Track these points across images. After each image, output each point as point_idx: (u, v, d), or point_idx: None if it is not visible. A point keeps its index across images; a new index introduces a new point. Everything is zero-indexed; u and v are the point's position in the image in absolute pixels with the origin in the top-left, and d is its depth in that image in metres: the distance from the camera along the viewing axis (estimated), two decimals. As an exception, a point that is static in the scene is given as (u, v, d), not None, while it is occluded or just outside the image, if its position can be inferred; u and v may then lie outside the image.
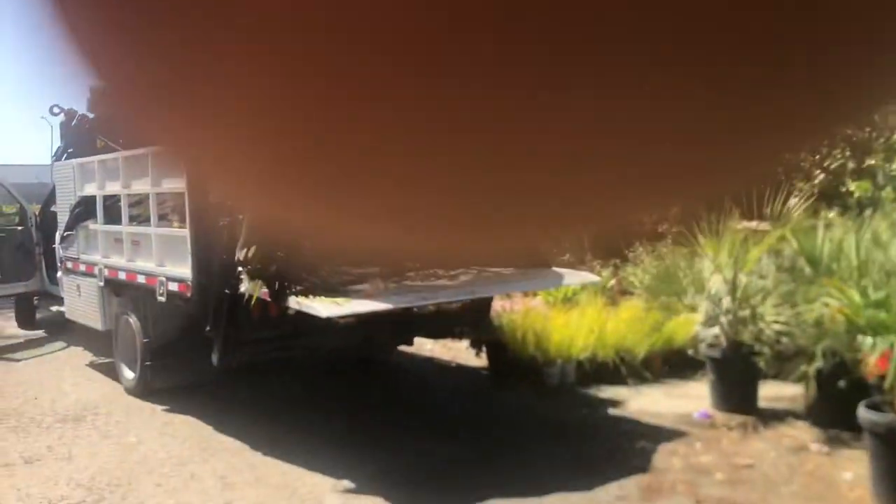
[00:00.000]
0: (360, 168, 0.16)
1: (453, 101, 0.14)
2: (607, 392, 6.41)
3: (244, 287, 4.85)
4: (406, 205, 0.16)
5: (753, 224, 6.42)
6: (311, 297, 4.55)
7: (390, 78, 0.14)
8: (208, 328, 5.28)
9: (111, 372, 7.05)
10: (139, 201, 6.40)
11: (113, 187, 6.56)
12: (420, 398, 6.40)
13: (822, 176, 8.72)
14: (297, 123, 0.15)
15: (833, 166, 8.71)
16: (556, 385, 6.57)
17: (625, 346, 6.68)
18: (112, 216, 6.73)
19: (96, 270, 6.95)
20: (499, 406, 6.26)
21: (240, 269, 4.92)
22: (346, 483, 4.54)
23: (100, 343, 7.60)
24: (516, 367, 6.74)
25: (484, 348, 7.11)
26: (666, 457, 4.98)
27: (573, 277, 5.49)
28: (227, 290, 5.10)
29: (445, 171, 0.15)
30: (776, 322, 5.34)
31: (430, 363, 7.40)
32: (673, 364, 6.86)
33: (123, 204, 6.42)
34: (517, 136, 0.15)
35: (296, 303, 4.58)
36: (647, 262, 7.84)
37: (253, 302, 4.83)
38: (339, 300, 4.50)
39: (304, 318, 4.76)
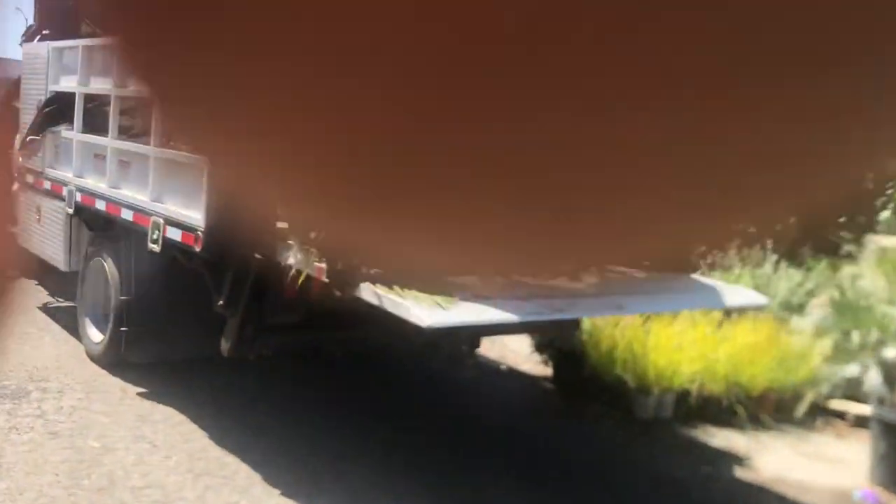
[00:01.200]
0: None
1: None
2: (717, 437, 4.96)
3: (289, 257, 3.24)
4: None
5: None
6: (396, 287, 2.95)
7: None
8: (221, 302, 3.68)
9: (72, 323, 5.41)
10: (135, 107, 4.71)
11: (100, 84, 4.85)
12: (473, 415, 4.88)
13: None
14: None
15: None
16: (648, 419, 5.10)
17: (739, 380, 5.21)
18: (95, 123, 5.03)
19: (65, 192, 5.27)
20: (577, 438, 4.78)
21: (282, 226, 3.31)
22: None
23: (61, 280, 5.93)
24: (594, 387, 5.26)
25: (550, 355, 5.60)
26: (850, 567, 3.54)
27: (733, 295, 3.96)
28: (257, 255, 3.49)
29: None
30: None
31: (475, 363, 5.86)
32: (784, 406, 5.43)
33: (113, 108, 4.72)
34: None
35: (374, 294, 2.99)
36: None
37: (301, 279, 3.23)
38: (440, 299, 2.91)
39: (358, 304, 3.20)
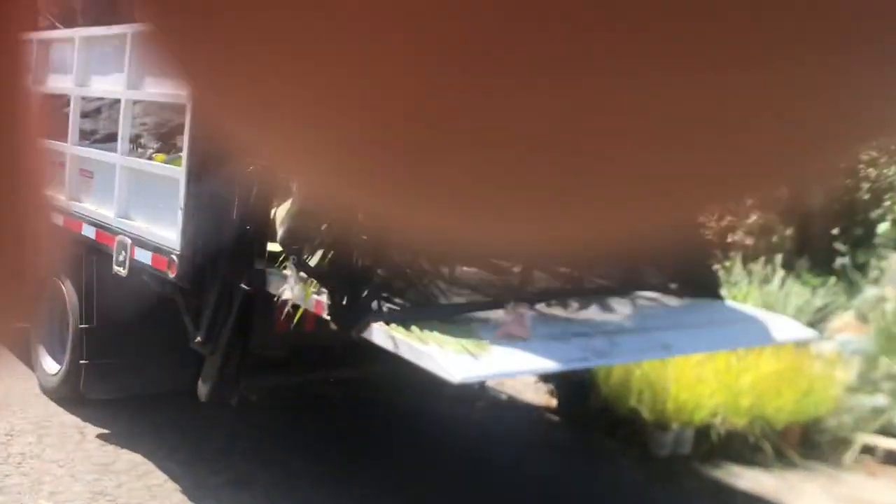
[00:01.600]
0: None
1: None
2: (742, 478, 4.54)
3: (284, 289, 2.73)
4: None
5: None
6: (414, 328, 2.46)
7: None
8: (199, 339, 3.15)
9: (23, 349, 4.82)
10: (99, 109, 4.17)
11: (60, 83, 4.29)
12: (477, 456, 4.39)
13: None
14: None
15: None
16: (665, 457, 4.66)
17: (762, 412, 4.80)
18: (52, 126, 4.46)
19: (58, 218, 4.68)
20: (590, 478, 4.33)
21: (277, 250, 2.81)
22: None
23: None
24: (606, 421, 4.82)
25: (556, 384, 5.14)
26: None
27: (782, 329, 3.52)
28: (243, 285, 2.98)
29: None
30: None
31: (484, 400, 5.36)
32: (809, 440, 5.04)
33: (73, 110, 4.17)
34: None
35: (388, 338, 2.49)
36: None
37: (298, 315, 2.73)
38: (469, 344, 2.42)
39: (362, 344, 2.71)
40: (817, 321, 6.17)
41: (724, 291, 4.07)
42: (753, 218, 7.85)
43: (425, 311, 2.59)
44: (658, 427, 4.67)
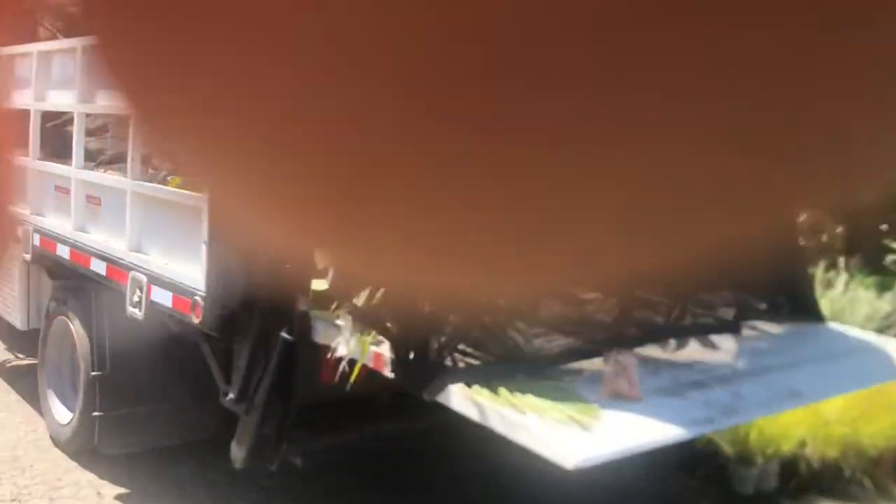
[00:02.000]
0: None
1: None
2: (840, 518, 4.03)
3: (340, 342, 2.25)
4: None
5: None
6: (503, 390, 1.97)
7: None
8: (231, 396, 2.67)
9: (33, 390, 4.37)
10: (105, 127, 3.70)
11: (61, 99, 3.82)
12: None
13: None
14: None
15: None
16: (749, 495, 4.16)
17: (856, 440, 4.28)
18: (55, 148, 4.01)
19: (20, 232, 4.23)
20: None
21: (323, 289, 2.33)
22: None
23: (20, 335, 4.88)
24: (682, 456, 4.31)
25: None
26: None
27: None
28: (284, 333, 2.49)
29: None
30: None
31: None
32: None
33: (77, 130, 3.70)
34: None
35: (471, 404, 2.00)
36: None
37: (355, 373, 2.25)
38: (573, 409, 1.93)
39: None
40: (885, 328, 5.68)
41: (818, 310, 3.58)
42: (802, 217, 7.36)
43: (509, 364, 2.10)
44: (741, 461, 4.16)
